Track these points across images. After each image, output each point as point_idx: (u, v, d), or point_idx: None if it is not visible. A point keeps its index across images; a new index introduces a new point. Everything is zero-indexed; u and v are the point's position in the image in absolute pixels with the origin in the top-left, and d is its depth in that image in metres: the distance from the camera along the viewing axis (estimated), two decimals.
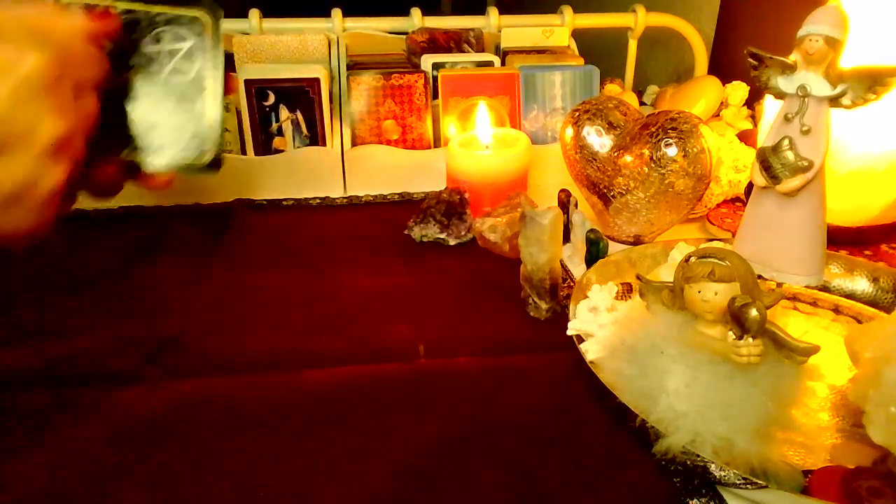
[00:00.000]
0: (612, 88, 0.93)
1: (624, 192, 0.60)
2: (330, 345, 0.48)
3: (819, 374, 0.39)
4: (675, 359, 0.37)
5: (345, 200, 0.75)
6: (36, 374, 0.44)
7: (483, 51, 0.87)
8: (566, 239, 0.60)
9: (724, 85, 0.82)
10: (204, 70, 0.38)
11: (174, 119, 0.38)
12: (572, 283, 0.56)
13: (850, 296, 0.52)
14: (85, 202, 0.37)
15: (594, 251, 0.57)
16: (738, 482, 0.34)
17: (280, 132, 0.77)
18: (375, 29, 0.88)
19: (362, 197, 0.76)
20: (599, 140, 0.62)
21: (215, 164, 0.39)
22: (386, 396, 0.43)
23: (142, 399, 0.42)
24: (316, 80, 0.75)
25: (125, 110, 0.37)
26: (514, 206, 0.61)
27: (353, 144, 0.77)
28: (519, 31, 0.89)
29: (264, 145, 0.76)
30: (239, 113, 0.76)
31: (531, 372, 0.45)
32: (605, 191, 0.61)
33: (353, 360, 0.46)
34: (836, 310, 0.52)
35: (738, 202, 0.70)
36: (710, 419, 0.35)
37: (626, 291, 0.51)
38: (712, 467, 0.34)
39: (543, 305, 0.51)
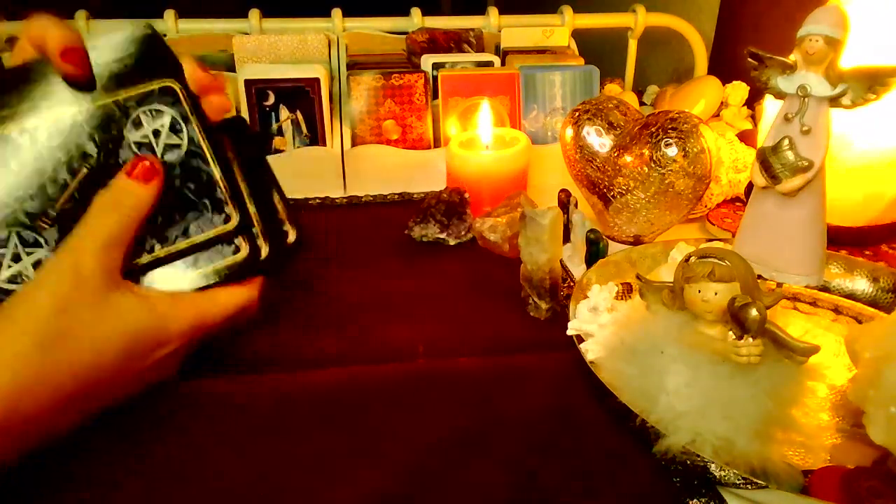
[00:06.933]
0: (612, 88, 0.93)
1: (624, 192, 0.60)
2: (330, 345, 0.48)
3: (819, 374, 0.38)
4: (675, 359, 0.37)
5: (345, 200, 0.75)
6: None
7: (483, 51, 0.87)
8: (566, 239, 0.60)
9: (724, 85, 0.82)
10: (194, 135, 0.38)
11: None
12: (572, 283, 0.56)
13: (850, 296, 0.52)
14: None
15: (594, 251, 0.57)
16: (738, 482, 0.34)
17: (280, 132, 0.77)
18: (375, 29, 0.88)
19: (362, 197, 0.75)
20: (599, 140, 0.62)
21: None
22: (386, 396, 0.43)
23: (139, 399, 0.42)
24: (316, 80, 0.76)
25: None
26: (514, 206, 0.61)
27: (353, 144, 0.77)
28: (519, 31, 0.89)
29: None
30: (239, 113, 0.76)
31: (531, 372, 0.45)
32: (605, 191, 0.61)
33: (353, 360, 0.46)
34: (836, 310, 0.52)
35: (738, 202, 0.70)
36: (710, 419, 0.35)
37: (626, 291, 0.51)
38: (712, 467, 0.34)
39: (543, 305, 0.51)
